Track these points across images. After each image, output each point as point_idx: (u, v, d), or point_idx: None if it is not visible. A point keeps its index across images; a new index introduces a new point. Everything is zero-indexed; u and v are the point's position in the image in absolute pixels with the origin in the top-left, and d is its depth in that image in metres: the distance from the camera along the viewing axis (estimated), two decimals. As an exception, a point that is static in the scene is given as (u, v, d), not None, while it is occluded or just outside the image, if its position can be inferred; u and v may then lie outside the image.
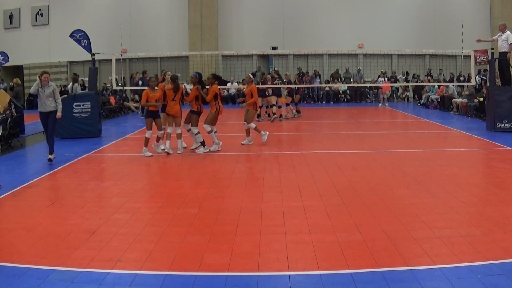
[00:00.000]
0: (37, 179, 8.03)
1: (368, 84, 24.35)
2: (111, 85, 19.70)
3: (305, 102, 23.96)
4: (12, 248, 4.84)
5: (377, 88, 24.06)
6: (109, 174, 8.66)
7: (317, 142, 11.78)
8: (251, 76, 11.45)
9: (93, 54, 13.90)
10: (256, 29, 25.98)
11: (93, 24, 24.32)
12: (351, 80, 25.03)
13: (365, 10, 25.64)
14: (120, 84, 20.56)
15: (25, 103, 24.87)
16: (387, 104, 22.43)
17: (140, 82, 20.00)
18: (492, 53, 14.06)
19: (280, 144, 11.70)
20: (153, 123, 9.95)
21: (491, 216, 5.57)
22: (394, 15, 25.61)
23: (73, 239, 5.04)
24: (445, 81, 21.67)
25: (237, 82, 24.40)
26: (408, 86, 25.01)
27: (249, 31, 26.01)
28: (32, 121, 15.09)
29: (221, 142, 10.60)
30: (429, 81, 22.99)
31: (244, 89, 11.31)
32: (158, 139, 10.18)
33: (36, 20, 27.19)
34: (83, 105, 13.02)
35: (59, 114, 9.55)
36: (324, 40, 24.63)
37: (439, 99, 20.16)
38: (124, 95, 21.71)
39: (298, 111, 17.40)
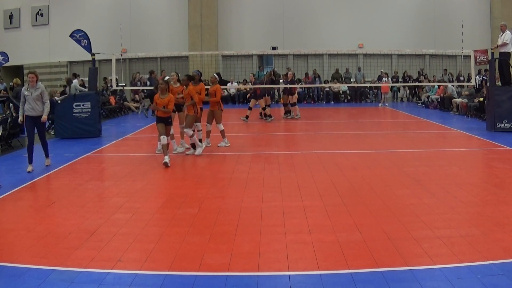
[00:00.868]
0: (37, 179, 8.03)
1: (368, 84, 24.34)
2: (111, 85, 19.71)
3: (305, 102, 23.96)
4: (12, 248, 4.84)
5: (377, 88, 24.07)
6: (109, 174, 8.66)
7: (317, 142, 11.78)
8: (216, 76, 11.30)
9: (93, 54, 13.90)
10: (256, 29, 25.98)
11: (93, 24, 24.32)
12: (351, 80, 25.02)
13: (365, 10, 25.64)
14: (120, 84, 20.55)
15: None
16: (387, 104, 22.43)
17: (148, 83, 20.10)
18: (492, 53, 14.06)
19: (280, 144, 11.70)
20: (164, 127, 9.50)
21: (491, 216, 5.57)
22: (394, 15, 25.61)
23: (73, 239, 5.04)
24: (449, 80, 21.60)
25: (237, 82, 24.41)
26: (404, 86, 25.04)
27: (249, 31, 26.01)
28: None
29: (210, 144, 10.70)
30: (422, 81, 23.07)
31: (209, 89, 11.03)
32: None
33: (36, 20, 27.19)
34: (83, 105, 13.02)
35: (44, 117, 8.83)
36: (324, 40, 24.62)
37: (439, 99, 20.16)
38: (124, 95, 21.70)
39: (286, 112, 17.33)
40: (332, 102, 24.59)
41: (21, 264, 4.39)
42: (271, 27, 25.87)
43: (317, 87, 24.52)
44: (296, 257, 4.48)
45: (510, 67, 12.90)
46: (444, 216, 5.60)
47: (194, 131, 10.01)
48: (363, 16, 25.54)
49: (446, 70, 24.11)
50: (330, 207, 6.04)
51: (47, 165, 9.03)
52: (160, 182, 7.91)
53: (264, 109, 16.25)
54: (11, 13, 27.48)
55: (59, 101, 13.86)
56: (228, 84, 23.59)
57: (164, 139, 8.95)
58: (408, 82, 23.70)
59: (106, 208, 6.23)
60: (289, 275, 4.11)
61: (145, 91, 20.67)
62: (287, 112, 17.18)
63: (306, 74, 24.74)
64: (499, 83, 13.41)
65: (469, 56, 17.07)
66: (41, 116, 8.79)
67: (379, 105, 22.40)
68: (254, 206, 6.15)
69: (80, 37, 14.27)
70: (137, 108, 21.15)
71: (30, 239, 5.06)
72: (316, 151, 10.23)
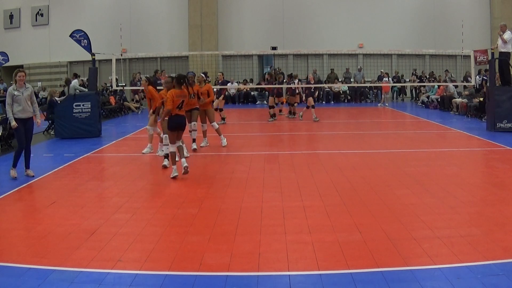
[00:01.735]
0: (37, 179, 8.03)
1: (368, 84, 24.34)
2: (111, 85, 19.71)
3: (304, 102, 23.94)
4: (12, 248, 4.84)
5: (377, 88, 24.06)
6: (109, 174, 8.66)
7: (317, 142, 11.78)
8: (203, 76, 11.33)
9: (93, 54, 13.90)
10: (256, 29, 25.98)
11: (93, 24, 24.32)
12: (351, 80, 25.02)
13: (365, 10, 25.64)
14: (120, 84, 20.56)
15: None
16: (387, 104, 22.43)
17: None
18: (492, 53, 14.06)
19: (280, 144, 11.70)
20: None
21: (491, 216, 5.57)
22: (394, 15, 25.61)
23: (73, 239, 5.04)
24: (451, 81, 21.56)
25: (237, 82, 24.41)
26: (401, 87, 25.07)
27: (249, 31, 26.01)
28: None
29: (208, 143, 10.81)
30: (414, 81, 23.10)
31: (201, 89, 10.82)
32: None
33: (36, 20, 27.20)
34: (83, 105, 13.01)
35: (38, 120, 8.29)
36: (324, 40, 24.63)
37: (439, 99, 20.16)
38: (124, 95, 21.71)
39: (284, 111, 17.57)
40: (332, 102, 24.59)
41: (21, 264, 4.39)
42: (271, 27, 25.87)
43: (319, 87, 24.49)
44: (296, 257, 4.48)
45: (510, 67, 12.90)
46: (444, 216, 5.60)
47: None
48: (363, 16, 25.54)
49: (447, 70, 24.10)
50: (330, 207, 6.04)
51: (31, 176, 8.14)
52: (160, 182, 7.91)
53: (272, 107, 16.35)
54: (11, 13, 27.49)
55: (59, 101, 13.87)
56: (228, 84, 23.58)
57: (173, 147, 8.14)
58: (399, 82, 23.70)
59: (106, 208, 6.23)
60: (289, 275, 4.11)
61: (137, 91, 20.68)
62: (291, 112, 17.48)
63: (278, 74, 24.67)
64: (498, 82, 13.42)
65: (469, 56, 17.04)
66: (31, 117, 8.19)
67: (379, 105, 22.40)
68: (254, 206, 6.14)
69: (80, 37, 14.27)
70: (137, 108, 21.16)
71: (30, 239, 5.06)
72: (316, 151, 10.24)
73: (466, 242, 4.72)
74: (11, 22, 27.54)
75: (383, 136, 12.93)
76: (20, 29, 27.39)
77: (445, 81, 21.41)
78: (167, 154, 8.57)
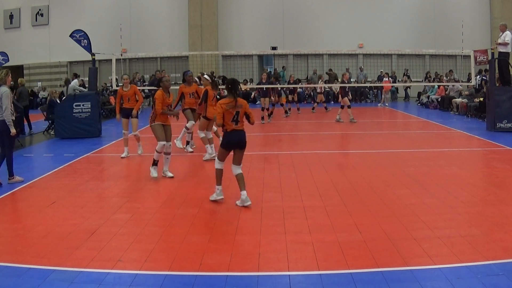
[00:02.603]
0: (37, 179, 8.02)
1: (368, 84, 24.33)
2: (111, 85, 19.71)
3: (305, 102, 23.96)
4: (12, 248, 4.84)
5: (377, 88, 24.04)
6: (109, 174, 8.66)
7: (317, 142, 11.77)
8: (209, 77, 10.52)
9: (93, 54, 13.90)
10: (256, 29, 25.98)
11: (93, 24, 24.33)
12: (352, 80, 24.99)
13: (365, 10, 25.65)
14: (120, 84, 20.53)
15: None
16: (387, 104, 22.43)
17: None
18: (492, 53, 14.06)
19: (280, 144, 11.70)
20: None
21: (491, 216, 5.57)
22: (394, 15, 25.62)
23: (73, 239, 5.04)
24: (455, 81, 21.50)
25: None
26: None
27: (249, 31, 26.02)
28: (33, 121, 15.07)
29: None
30: (406, 81, 23.14)
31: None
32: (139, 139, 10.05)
33: (36, 20, 27.21)
34: (83, 105, 13.01)
35: (13, 131, 7.51)
36: (324, 40, 24.63)
37: (439, 99, 20.15)
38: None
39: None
40: (332, 102, 24.58)
41: (21, 264, 4.39)
42: (271, 27, 25.88)
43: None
44: (296, 257, 4.48)
45: (510, 67, 12.89)
46: (444, 216, 5.60)
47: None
48: (363, 16, 25.55)
49: (451, 71, 24.04)
50: (330, 207, 6.04)
51: (19, 181, 7.69)
52: (160, 182, 7.90)
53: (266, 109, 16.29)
54: (11, 13, 27.50)
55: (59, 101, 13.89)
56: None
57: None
58: (394, 82, 23.72)
59: (106, 208, 6.23)
60: (289, 275, 4.11)
61: (145, 90, 20.65)
62: (286, 111, 17.73)
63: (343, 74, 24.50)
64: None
65: (469, 56, 17.04)
66: (3, 120, 7.47)
67: (379, 105, 22.40)
68: (254, 206, 6.14)
69: (80, 37, 14.27)
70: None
71: (30, 239, 5.06)
72: (316, 151, 10.23)
73: (466, 242, 4.71)
74: (11, 22, 27.55)
75: (383, 136, 12.93)
76: (20, 29, 27.41)
77: (453, 80, 21.31)
78: (156, 160, 7.79)
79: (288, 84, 19.38)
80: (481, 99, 15.57)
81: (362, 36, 25.20)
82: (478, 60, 19.33)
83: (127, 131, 9.89)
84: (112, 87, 19.93)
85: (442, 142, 11.58)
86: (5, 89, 7.67)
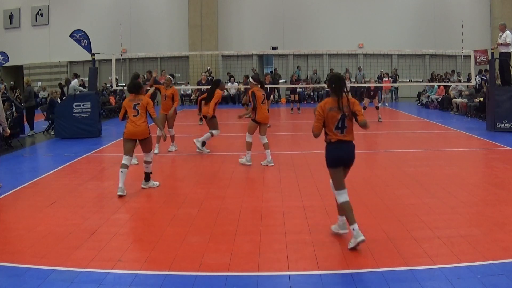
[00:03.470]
0: (37, 179, 8.03)
1: (368, 84, 24.28)
2: (111, 85, 19.71)
3: (305, 102, 23.96)
4: (12, 248, 4.84)
5: (377, 88, 24.01)
6: (109, 174, 8.65)
7: (317, 142, 11.74)
8: (170, 78, 10.64)
9: (93, 54, 13.90)
10: (256, 29, 25.99)
11: (93, 24, 24.34)
12: (352, 80, 24.98)
13: (365, 10, 25.66)
14: (120, 84, 20.55)
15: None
16: (387, 104, 22.42)
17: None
18: (492, 53, 14.07)
19: (280, 144, 11.69)
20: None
21: (491, 216, 5.57)
22: (394, 15, 25.62)
23: (73, 239, 5.04)
24: (458, 81, 21.45)
25: (237, 82, 24.42)
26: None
27: (249, 31, 26.02)
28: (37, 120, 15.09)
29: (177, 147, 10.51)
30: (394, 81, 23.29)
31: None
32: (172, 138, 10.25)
33: (36, 20, 27.22)
34: (83, 105, 13.02)
35: (7, 131, 7.56)
36: (324, 40, 24.63)
37: (439, 99, 20.14)
38: (124, 95, 21.71)
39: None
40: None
41: (21, 264, 4.39)
42: (271, 27, 25.88)
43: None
44: (296, 257, 4.48)
45: (511, 67, 12.89)
46: (444, 216, 5.60)
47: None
48: (363, 16, 25.55)
49: (454, 70, 24.03)
50: (330, 207, 6.04)
51: None
52: (160, 182, 7.90)
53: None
54: (11, 13, 27.51)
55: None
56: (228, 84, 23.60)
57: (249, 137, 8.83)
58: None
59: (106, 208, 6.23)
60: (289, 275, 4.11)
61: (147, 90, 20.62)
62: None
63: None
64: (498, 82, 13.41)
65: (469, 56, 17.04)
66: None
67: (379, 105, 22.37)
68: (254, 206, 6.14)
69: (80, 37, 14.28)
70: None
71: (30, 239, 5.06)
72: (316, 151, 10.22)
73: (466, 242, 4.71)
74: (11, 22, 27.56)
75: (383, 136, 12.93)
76: (20, 29, 27.41)
77: (459, 80, 21.28)
78: (149, 172, 7.30)
79: (291, 83, 19.38)
80: (481, 99, 15.58)
81: (362, 36, 25.20)
82: (478, 60, 19.33)
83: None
84: (112, 87, 19.93)
85: (442, 142, 11.58)
86: None
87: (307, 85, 23.49)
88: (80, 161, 9.66)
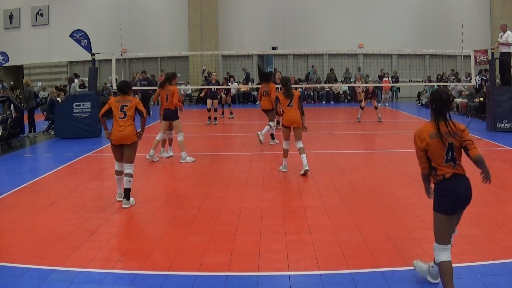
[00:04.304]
0: (37, 179, 8.03)
1: (368, 84, 24.28)
2: (111, 85, 19.70)
3: (305, 102, 23.96)
4: (12, 248, 4.84)
5: (377, 88, 24.01)
6: (109, 174, 8.63)
7: (317, 142, 11.76)
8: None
9: (93, 54, 13.90)
10: (256, 29, 25.98)
11: (93, 24, 24.33)
12: (352, 80, 25.00)
13: (365, 10, 25.66)
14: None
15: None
16: (387, 104, 22.42)
17: (146, 83, 20.04)
18: (492, 53, 14.06)
19: (280, 144, 11.68)
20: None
21: (491, 216, 5.57)
22: (394, 15, 25.62)
23: (73, 239, 5.04)
24: (458, 80, 21.44)
25: (237, 82, 24.42)
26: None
27: (249, 31, 26.02)
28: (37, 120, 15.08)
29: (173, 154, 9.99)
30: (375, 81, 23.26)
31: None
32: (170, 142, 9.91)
33: (36, 20, 27.22)
34: (83, 105, 13.02)
35: None
36: (324, 40, 24.63)
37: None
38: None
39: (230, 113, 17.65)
40: (332, 102, 24.58)
41: (21, 264, 4.39)
42: (271, 27, 25.88)
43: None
44: (296, 257, 4.48)
45: (511, 67, 12.89)
46: (444, 216, 5.59)
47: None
48: (363, 16, 25.55)
49: (453, 70, 24.03)
50: (330, 207, 6.04)
51: None
52: (160, 182, 7.90)
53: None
54: (11, 13, 27.50)
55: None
56: (228, 84, 23.57)
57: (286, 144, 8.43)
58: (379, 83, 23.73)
59: (106, 208, 6.23)
60: (289, 275, 4.11)
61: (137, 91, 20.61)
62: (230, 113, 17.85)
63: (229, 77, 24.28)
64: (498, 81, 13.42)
65: (469, 56, 17.03)
66: None
67: (379, 105, 22.37)
68: (254, 206, 6.14)
69: (80, 37, 14.28)
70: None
71: (30, 239, 5.06)
72: (316, 151, 10.22)
73: (466, 242, 4.71)
74: (11, 22, 27.55)
75: (383, 136, 12.93)
76: (20, 29, 27.41)
77: (458, 80, 21.28)
78: (129, 188, 6.42)
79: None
80: (481, 99, 15.58)
81: (362, 36, 25.20)
82: (478, 60, 19.30)
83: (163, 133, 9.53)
84: (112, 87, 19.92)
85: (442, 142, 11.56)
86: None
87: (307, 85, 23.51)
88: (80, 161, 9.66)
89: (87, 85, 17.49)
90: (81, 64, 25.38)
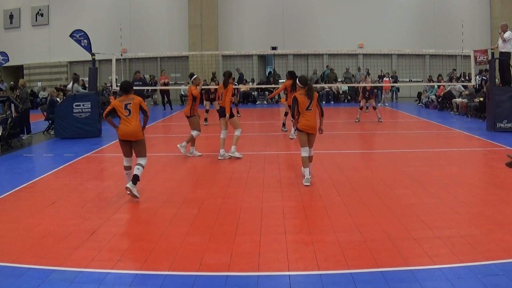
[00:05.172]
0: (37, 179, 8.03)
1: (364, 84, 24.28)
2: (111, 85, 19.70)
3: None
4: (12, 248, 4.84)
5: (377, 88, 24.02)
6: (109, 174, 8.65)
7: (317, 142, 11.73)
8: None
9: (93, 54, 13.90)
10: (256, 29, 25.98)
11: (93, 24, 24.34)
12: (351, 80, 25.01)
13: (365, 10, 25.65)
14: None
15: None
16: (387, 104, 22.43)
17: (140, 83, 20.03)
18: (492, 53, 14.06)
19: (280, 144, 11.69)
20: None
21: (491, 216, 5.57)
22: (394, 15, 25.62)
23: (73, 239, 5.04)
24: (457, 80, 21.39)
25: (236, 83, 24.43)
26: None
27: (249, 31, 26.02)
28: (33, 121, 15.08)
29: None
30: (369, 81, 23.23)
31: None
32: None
33: (36, 20, 27.21)
34: (83, 105, 13.02)
35: None
36: (324, 40, 24.63)
37: (439, 99, 20.13)
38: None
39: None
40: (332, 102, 24.59)
41: (21, 264, 4.39)
42: (271, 27, 25.88)
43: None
44: (296, 257, 4.48)
45: (511, 67, 12.89)
46: (444, 216, 5.60)
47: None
48: (363, 16, 25.54)
49: (454, 70, 23.97)
50: (330, 207, 6.04)
51: None
52: (160, 182, 7.90)
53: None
54: (11, 13, 27.50)
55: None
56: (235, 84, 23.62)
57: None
58: (379, 83, 23.70)
59: (106, 208, 6.23)
60: (289, 275, 4.11)
61: (149, 90, 20.65)
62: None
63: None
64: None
65: (469, 56, 17.03)
66: None
67: (379, 105, 22.36)
68: (254, 206, 6.14)
69: (80, 37, 14.28)
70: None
71: (30, 239, 5.06)
72: (316, 151, 10.21)
73: (466, 242, 4.71)
74: (11, 22, 27.55)
75: (383, 136, 12.93)
76: (20, 29, 27.41)
77: (457, 79, 21.24)
78: (138, 175, 6.63)
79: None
80: (481, 99, 15.57)
81: (362, 36, 25.19)
82: (478, 60, 19.30)
83: (225, 130, 9.59)
84: (112, 87, 19.92)
85: (442, 142, 11.58)
86: None
87: (324, 85, 23.49)
88: (80, 161, 9.66)
89: (87, 85, 17.49)
90: (81, 64, 25.38)
